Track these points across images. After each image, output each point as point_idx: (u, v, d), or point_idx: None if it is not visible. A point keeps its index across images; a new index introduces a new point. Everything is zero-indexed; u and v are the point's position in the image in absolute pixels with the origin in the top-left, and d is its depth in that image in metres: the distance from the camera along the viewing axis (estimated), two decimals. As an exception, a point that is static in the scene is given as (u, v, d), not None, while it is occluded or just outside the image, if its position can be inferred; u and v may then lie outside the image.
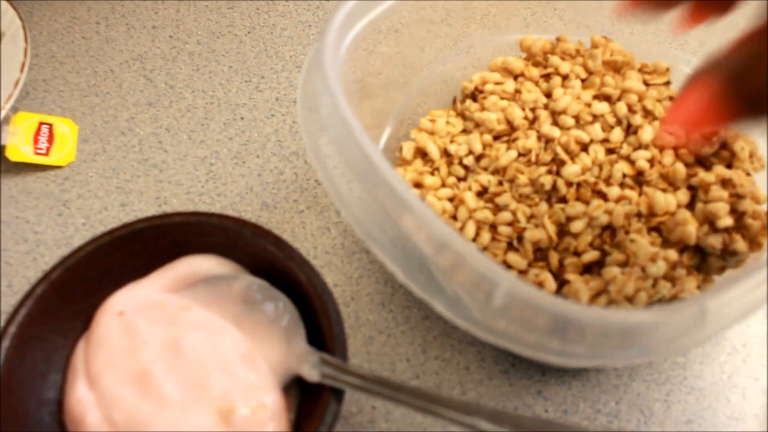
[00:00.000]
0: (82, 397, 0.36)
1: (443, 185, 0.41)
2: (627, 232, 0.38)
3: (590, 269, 0.38)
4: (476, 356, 0.41)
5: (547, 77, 0.44)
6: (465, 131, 0.44)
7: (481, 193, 0.40)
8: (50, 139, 0.48)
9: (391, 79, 0.47)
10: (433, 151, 0.42)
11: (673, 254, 0.37)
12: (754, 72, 0.25)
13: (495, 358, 0.40)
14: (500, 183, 0.40)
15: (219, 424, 0.34)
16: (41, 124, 0.48)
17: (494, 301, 0.29)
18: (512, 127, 0.42)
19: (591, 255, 0.38)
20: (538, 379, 0.40)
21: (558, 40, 0.46)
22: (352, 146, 0.32)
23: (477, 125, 0.43)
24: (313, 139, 0.35)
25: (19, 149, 0.47)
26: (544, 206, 0.39)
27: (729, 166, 0.40)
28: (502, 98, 0.43)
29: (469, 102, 0.44)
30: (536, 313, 0.29)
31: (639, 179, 0.40)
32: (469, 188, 0.40)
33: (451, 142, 0.43)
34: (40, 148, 0.48)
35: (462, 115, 0.45)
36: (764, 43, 0.25)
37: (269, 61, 0.53)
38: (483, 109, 0.43)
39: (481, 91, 0.44)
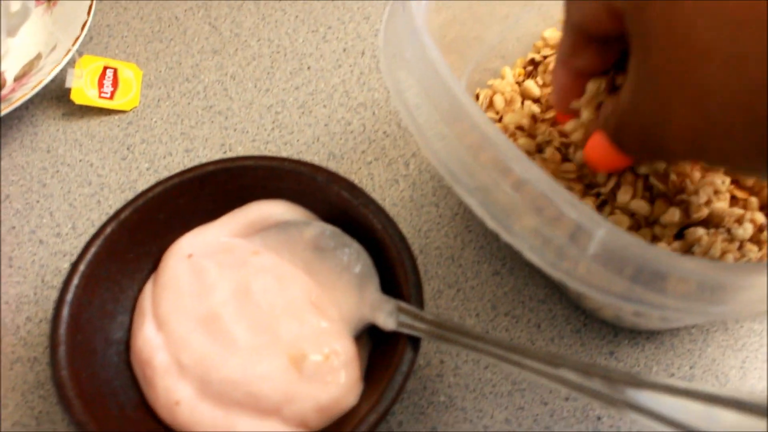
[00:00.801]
0: (150, 339, 0.36)
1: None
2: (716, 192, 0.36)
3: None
4: (547, 314, 0.40)
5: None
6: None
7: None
8: (115, 83, 0.48)
9: (464, 35, 0.46)
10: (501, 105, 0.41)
11: (760, 216, 0.36)
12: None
13: (566, 317, 0.39)
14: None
15: (290, 369, 0.34)
16: (106, 68, 0.48)
17: (589, 249, 0.28)
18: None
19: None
20: (610, 339, 0.39)
21: None
22: (440, 88, 0.31)
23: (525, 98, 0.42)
24: (397, 82, 0.33)
25: (84, 92, 0.47)
26: None
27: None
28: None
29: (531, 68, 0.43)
30: (629, 262, 0.28)
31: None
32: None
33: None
34: (105, 92, 0.47)
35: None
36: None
37: (336, 11, 0.52)
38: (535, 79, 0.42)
39: (541, 61, 0.42)
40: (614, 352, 0.38)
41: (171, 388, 0.35)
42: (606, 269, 0.28)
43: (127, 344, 0.37)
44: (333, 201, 0.38)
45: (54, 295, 0.41)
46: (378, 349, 0.35)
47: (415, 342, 0.33)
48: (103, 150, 0.46)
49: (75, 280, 0.35)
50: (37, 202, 0.44)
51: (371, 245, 0.37)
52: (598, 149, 0.30)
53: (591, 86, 0.32)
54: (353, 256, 0.37)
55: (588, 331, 0.39)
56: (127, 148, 0.46)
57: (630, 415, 0.27)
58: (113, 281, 0.37)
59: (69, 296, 0.35)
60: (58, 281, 0.42)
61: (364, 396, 0.34)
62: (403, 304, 0.34)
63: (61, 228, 0.43)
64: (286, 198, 0.39)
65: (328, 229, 0.37)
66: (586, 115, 0.33)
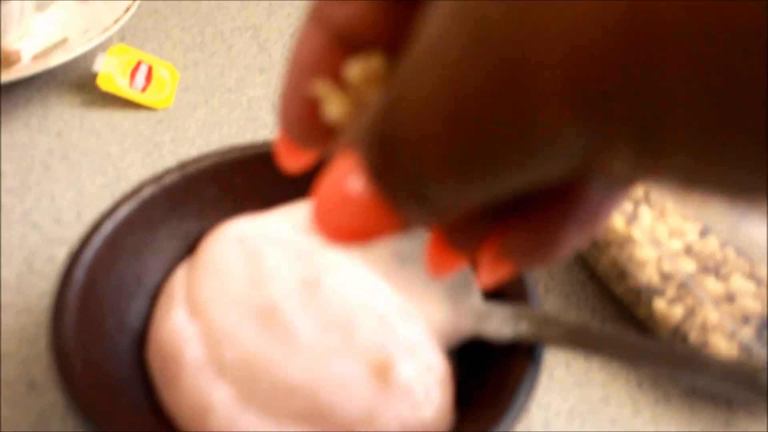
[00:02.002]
0: (179, 327, 0.28)
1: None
2: None
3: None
4: (648, 374, 0.33)
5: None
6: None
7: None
8: (148, 78, 0.42)
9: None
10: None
11: None
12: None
13: (672, 380, 0.33)
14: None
15: (371, 380, 0.26)
16: (140, 62, 0.42)
17: None
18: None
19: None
20: (724, 408, 0.32)
21: None
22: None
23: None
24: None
25: (113, 79, 0.41)
26: None
27: None
28: None
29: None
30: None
31: None
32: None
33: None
34: (136, 85, 0.41)
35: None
36: None
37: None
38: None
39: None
40: (730, 421, 0.32)
41: (203, 389, 0.26)
42: None
43: (141, 338, 0.29)
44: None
45: (42, 285, 0.33)
46: (470, 373, 0.28)
47: (536, 356, 0.26)
48: (125, 143, 0.39)
49: (96, 241, 0.28)
50: (37, 184, 0.37)
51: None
52: (343, 197, 0.14)
53: (358, 68, 0.14)
54: (444, 262, 0.30)
55: (697, 397, 0.33)
56: (154, 145, 0.40)
57: None
58: (139, 256, 0.29)
59: (86, 257, 0.27)
60: (49, 270, 0.33)
61: (460, 426, 0.26)
62: (526, 308, 0.27)
63: (62, 214, 0.36)
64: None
65: (413, 233, 0.31)
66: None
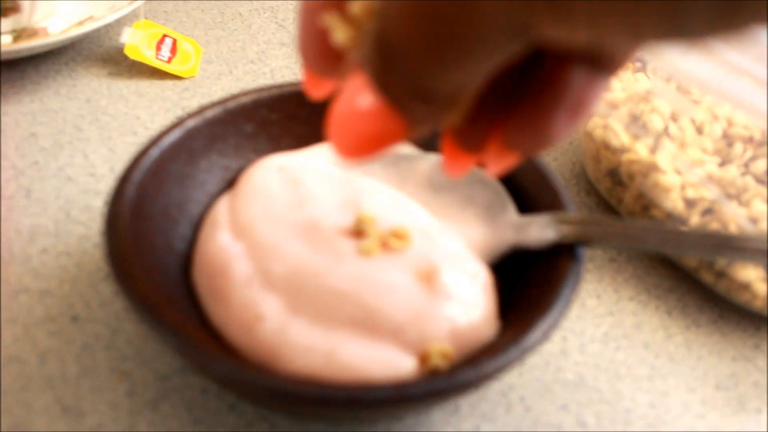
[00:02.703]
0: (225, 246, 0.28)
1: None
2: None
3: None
4: (677, 303, 0.34)
5: None
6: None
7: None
8: (173, 50, 0.43)
9: None
10: None
11: None
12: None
13: (699, 307, 0.34)
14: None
15: (418, 285, 0.27)
16: (165, 36, 0.44)
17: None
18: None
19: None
20: (752, 333, 0.33)
21: None
22: None
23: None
24: None
25: (140, 50, 0.42)
26: None
27: None
28: None
29: None
30: None
31: None
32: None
33: None
34: (162, 55, 0.43)
35: None
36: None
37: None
38: None
39: None
40: (759, 345, 0.33)
41: (253, 300, 0.27)
42: None
43: (186, 260, 0.29)
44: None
45: (80, 230, 0.33)
46: (512, 289, 0.29)
47: (577, 255, 0.27)
48: (153, 107, 0.40)
49: (145, 162, 0.29)
50: (69, 143, 0.38)
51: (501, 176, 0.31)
52: (354, 111, 0.17)
53: (359, 3, 0.17)
54: (477, 187, 0.31)
55: (726, 322, 0.33)
56: (182, 109, 0.41)
57: None
58: (181, 185, 0.30)
59: (136, 176, 0.28)
60: (86, 218, 0.34)
61: (506, 333, 0.27)
62: (564, 214, 0.28)
63: (95, 169, 0.36)
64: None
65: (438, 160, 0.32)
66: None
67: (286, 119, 0.33)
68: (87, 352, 0.29)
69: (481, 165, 0.20)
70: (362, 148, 0.17)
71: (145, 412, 0.27)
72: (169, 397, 0.28)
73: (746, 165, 0.33)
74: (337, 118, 0.17)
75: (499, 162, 0.20)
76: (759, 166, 0.33)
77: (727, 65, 0.29)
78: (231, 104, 0.32)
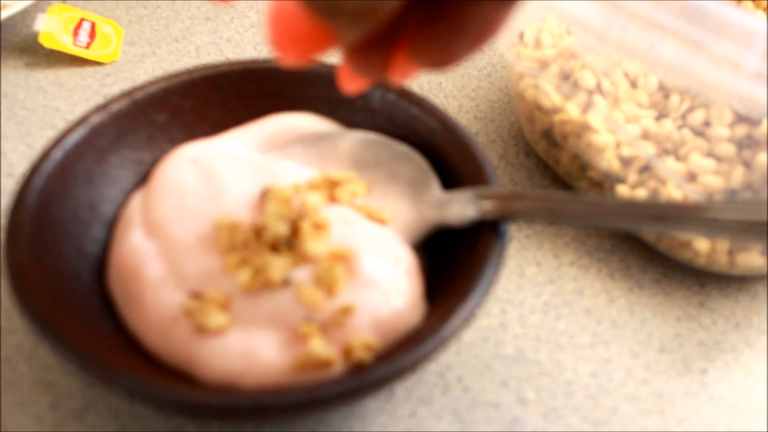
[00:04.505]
0: (138, 247, 0.27)
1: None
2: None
3: None
4: (619, 264, 0.33)
5: None
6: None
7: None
8: (92, 35, 0.41)
9: None
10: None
11: None
12: None
13: (642, 267, 0.33)
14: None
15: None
16: (82, 20, 0.42)
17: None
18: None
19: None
20: (697, 290, 0.32)
21: None
22: None
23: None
24: None
25: (56, 37, 0.40)
26: None
27: None
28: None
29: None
30: None
31: None
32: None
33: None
34: (80, 41, 0.41)
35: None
36: None
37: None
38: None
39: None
40: (705, 303, 0.32)
41: (166, 302, 0.26)
42: None
43: (100, 264, 0.28)
44: (376, 107, 0.31)
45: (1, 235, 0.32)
46: (439, 266, 0.28)
47: (501, 232, 0.26)
48: (73, 98, 0.39)
49: (46, 166, 0.27)
50: (-15, 142, 0.36)
51: (427, 149, 0.30)
52: (291, 13, 0.18)
53: None
54: (401, 162, 0.30)
55: (670, 281, 0.33)
56: (103, 97, 0.39)
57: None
58: (91, 184, 0.29)
59: (37, 182, 0.27)
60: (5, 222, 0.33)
61: (431, 317, 0.26)
62: (486, 188, 0.27)
63: (14, 168, 0.35)
64: (315, 110, 0.32)
65: (367, 137, 0.31)
66: None
67: (199, 105, 0.31)
68: (8, 365, 0.28)
69: (382, 79, 0.20)
70: (299, 47, 0.18)
71: (71, 424, 0.27)
72: (94, 405, 0.27)
73: (683, 117, 0.32)
74: (274, 14, 0.18)
75: (401, 73, 0.20)
76: (696, 117, 0.32)
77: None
78: (138, 95, 0.30)
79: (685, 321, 0.31)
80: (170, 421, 0.27)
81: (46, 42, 0.40)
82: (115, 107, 0.30)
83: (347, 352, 0.24)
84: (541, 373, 0.29)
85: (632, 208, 0.24)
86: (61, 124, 0.37)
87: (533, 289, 0.32)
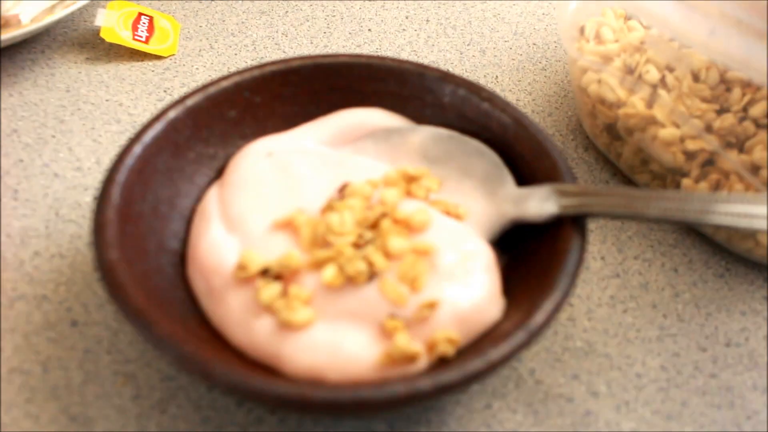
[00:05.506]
0: (218, 241, 0.28)
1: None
2: None
3: None
4: (682, 258, 0.33)
5: None
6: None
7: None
8: (150, 29, 0.42)
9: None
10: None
11: None
12: None
13: (705, 262, 0.33)
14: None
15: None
16: (141, 14, 0.42)
17: None
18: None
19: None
20: (760, 285, 0.33)
21: None
22: None
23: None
24: None
25: (117, 32, 0.41)
26: None
27: None
28: None
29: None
30: None
31: None
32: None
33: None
34: (139, 35, 0.41)
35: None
36: None
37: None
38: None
39: None
40: (770, 297, 0.32)
41: (249, 297, 0.26)
42: None
43: (181, 257, 0.29)
44: (446, 103, 0.32)
45: (72, 229, 0.33)
46: (515, 262, 0.28)
47: (582, 228, 0.26)
48: (134, 92, 0.39)
49: (128, 161, 0.28)
50: (53, 137, 0.37)
51: (498, 145, 0.30)
52: None
53: None
54: (474, 157, 0.30)
55: (733, 276, 0.33)
56: (164, 91, 0.39)
57: None
58: (169, 179, 0.29)
59: (120, 177, 0.27)
60: (77, 215, 0.33)
61: (511, 313, 0.26)
62: (564, 185, 0.27)
63: (82, 162, 0.35)
64: (385, 106, 0.33)
65: (438, 132, 0.31)
66: None
67: (270, 100, 0.32)
68: (89, 357, 0.29)
69: None
70: None
71: (154, 415, 0.27)
72: (176, 397, 0.28)
73: (745, 110, 0.32)
74: None
75: None
76: (757, 110, 0.32)
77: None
78: (212, 90, 0.31)
79: (750, 315, 0.32)
80: (251, 413, 0.27)
81: (107, 36, 0.40)
82: (190, 102, 0.30)
83: (431, 347, 0.25)
84: (612, 367, 0.29)
85: (717, 204, 0.24)
86: (125, 118, 0.38)
87: (599, 282, 0.32)
